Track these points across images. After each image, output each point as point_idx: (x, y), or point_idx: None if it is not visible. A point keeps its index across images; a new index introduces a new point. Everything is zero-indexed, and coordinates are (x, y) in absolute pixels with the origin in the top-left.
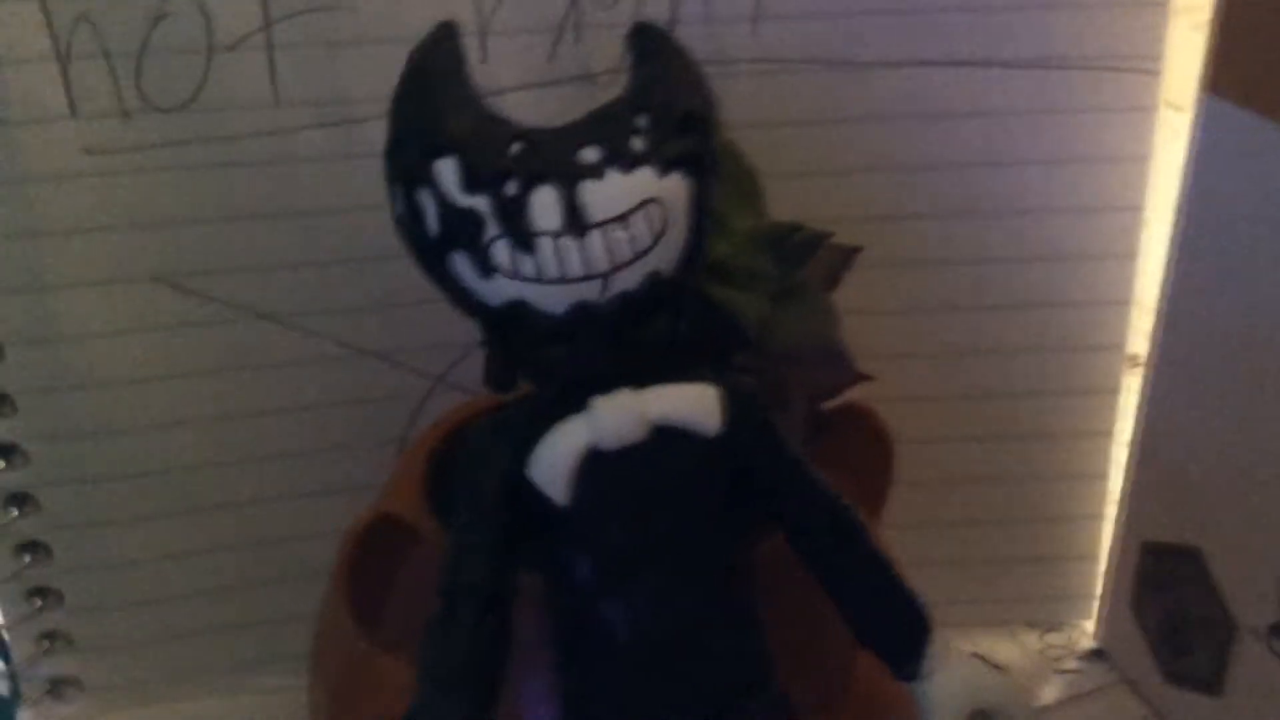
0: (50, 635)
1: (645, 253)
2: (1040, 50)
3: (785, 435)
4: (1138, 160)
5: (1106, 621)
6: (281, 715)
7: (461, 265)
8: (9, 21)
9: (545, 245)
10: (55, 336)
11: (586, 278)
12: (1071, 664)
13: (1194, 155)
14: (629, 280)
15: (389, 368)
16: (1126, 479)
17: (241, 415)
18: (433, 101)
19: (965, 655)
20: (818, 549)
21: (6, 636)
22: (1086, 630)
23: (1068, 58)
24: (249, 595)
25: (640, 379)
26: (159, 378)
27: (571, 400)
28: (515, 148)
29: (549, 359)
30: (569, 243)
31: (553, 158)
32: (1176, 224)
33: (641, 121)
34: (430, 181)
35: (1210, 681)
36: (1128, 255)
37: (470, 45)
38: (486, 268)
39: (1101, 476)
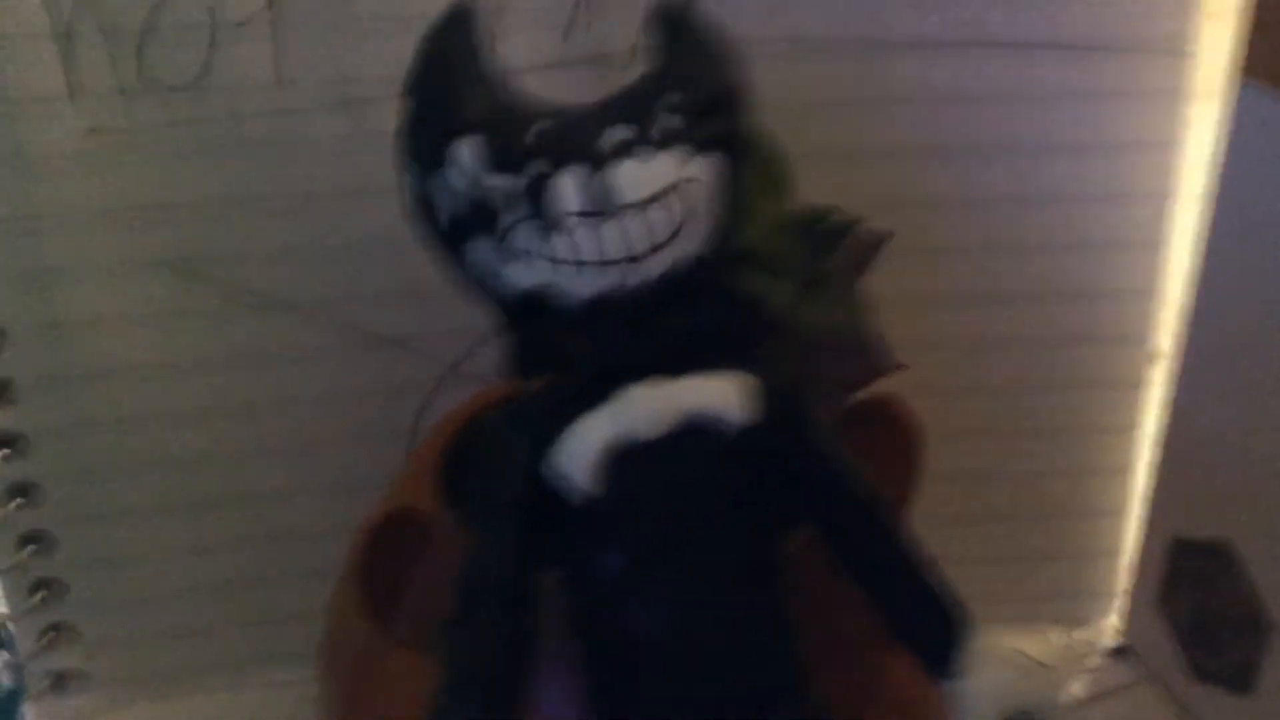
0: (55, 628)
1: (673, 237)
2: (1068, 32)
3: (821, 428)
4: (1168, 146)
5: (1131, 618)
6: (288, 711)
7: (481, 250)
8: None
9: (570, 229)
10: (58, 324)
11: (613, 262)
12: (1095, 661)
13: (1226, 142)
14: (656, 265)
15: (398, 357)
16: (1153, 474)
17: (248, 406)
18: (452, 81)
19: (1002, 654)
20: (852, 545)
21: (11, 629)
22: (1110, 627)
23: (1096, 39)
24: (256, 589)
25: (667, 368)
26: (164, 367)
27: (594, 390)
28: (538, 128)
29: (573, 347)
30: (595, 226)
31: (578, 138)
32: (1207, 212)
33: (670, 101)
34: (449, 163)
35: (1241, 679)
36: (1155, 244)
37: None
38: (508, 252)
39: (1126, 471)
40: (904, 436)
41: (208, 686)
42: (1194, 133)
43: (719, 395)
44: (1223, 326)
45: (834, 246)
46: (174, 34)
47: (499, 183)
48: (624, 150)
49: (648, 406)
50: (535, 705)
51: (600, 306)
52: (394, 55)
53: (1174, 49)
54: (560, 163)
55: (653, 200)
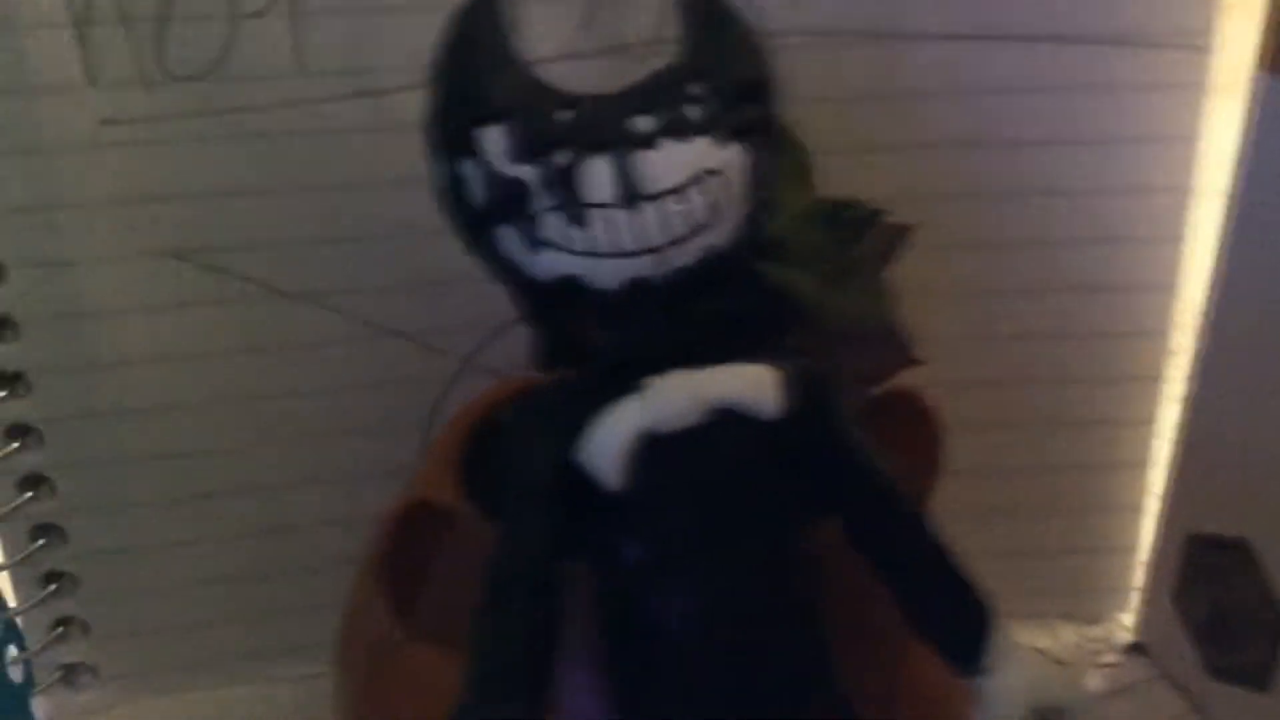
0: (65, 621)
1: (702, 227)
2: (1089, 25)
3: (848, 421)
4: (1188, 140)
5: (1146, 615)
6: (298, 703)
7: (508, 239)
8: None
9: (598, 218)
10: (72, 313)
11: (640, 252)
12: (1110, 658)
13: (1247, 137)
14: (684, 255)
15: (414, 348)
16: (1170, 469)
17: (262, 396)
18: (477, 68)
19: (1027, 650)
20: (877, 539)
21: (20, 622)
22: (1125, 624)
23: (1117, 33)
24: (268, 582)
25: (695, 359)
26: (178, 357)
27: (621, 381)
28: (565, 116)
29: (600, 337)
30: (622, 215)
31: (605, 126)
32: (1227, 207)
33: (697, 89)
34: (476, 151)
35: (1256, 677)
36: (1174, 239)
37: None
38: (535, 241)
39: (1143, 466)
40: (927, 429)
41: (218, 681)
42: (1214, 127)
43: (749, 385)
44: (1241, 322)
45: (859, 236)
46: (192, 22)
47: (524, 172)
48: (652, 139)
49: (677, 396)
50: (559, 697)
51: (628, 296)
52: (417, 43)
53: (1194, 43)
54: (588, 151)
55: (681, 189)
